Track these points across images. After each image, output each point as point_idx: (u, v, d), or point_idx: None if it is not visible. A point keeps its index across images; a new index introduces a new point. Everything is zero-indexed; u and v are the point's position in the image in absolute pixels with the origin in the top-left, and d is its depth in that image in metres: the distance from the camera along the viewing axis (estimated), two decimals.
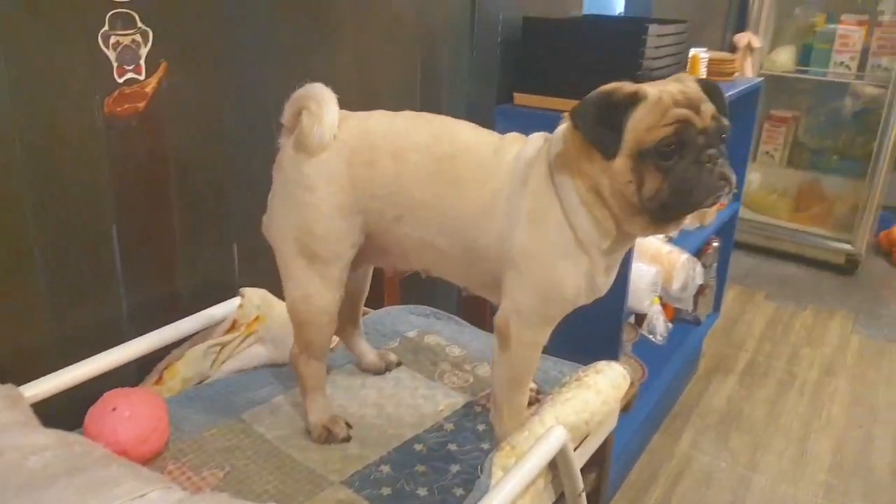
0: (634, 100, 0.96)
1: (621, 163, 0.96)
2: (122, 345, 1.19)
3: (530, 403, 1.24)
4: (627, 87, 0.97)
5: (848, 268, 3.89)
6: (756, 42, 3.60)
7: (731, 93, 2.34)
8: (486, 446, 1.17)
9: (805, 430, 2.60)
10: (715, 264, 2.82)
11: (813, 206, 4.06)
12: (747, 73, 3.62)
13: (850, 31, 3.72)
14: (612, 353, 1.98)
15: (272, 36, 1.38)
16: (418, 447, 1.17)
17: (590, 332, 1.96)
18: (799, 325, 3.37)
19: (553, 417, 1.10)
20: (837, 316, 3.47)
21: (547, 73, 1.94)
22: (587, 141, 0.98)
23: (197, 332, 1.31)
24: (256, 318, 1.36)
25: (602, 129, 0.96)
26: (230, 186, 1.38)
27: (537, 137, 1.10)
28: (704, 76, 2.29)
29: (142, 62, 1.18)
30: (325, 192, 1.10)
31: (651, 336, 2.10)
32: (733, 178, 0.98)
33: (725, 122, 0.99)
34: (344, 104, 1.19)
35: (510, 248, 1.05)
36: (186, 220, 1.32)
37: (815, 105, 4.06)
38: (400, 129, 1.13)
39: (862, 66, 3.75)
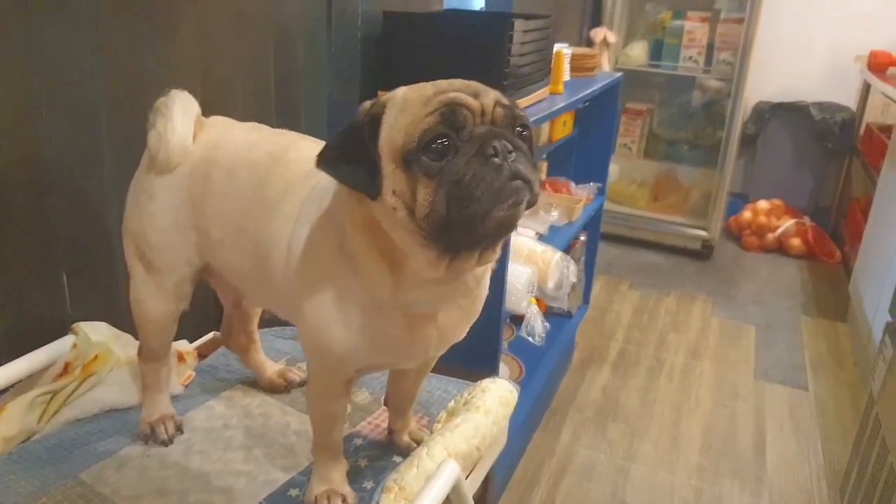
0: (377, 109, 0.77)
1: (386, 186, 0.75)
2: None
3: (417, 441, 1.13)
4: (369, 102, 0.80)
5: (704, 252, 4.09)
6: (611, 37, 3.69)
7: (594, 88, 2.35)
8: (368, 484, 1.06)
9: (677, 414, 2.68)
10: (583, 258, 2.85)
11: (669, 195, 4.24)
12: (604, 67, 3.71)
13: (694, 28, 3.90)
14: (492, 356, 1.93)
15: (94, 27, 1.17)
16: (293, 492, 1.04)
17: (468, 336, 1.90)
18: (664, 311, 3.50)
19: (443, 449, 1.01)
20: (698, 300, 3.63)
21: (411, 70, 1.83)
22: (344, 186, 0.79)
23: (18, 382, 1.11)
24: (95, 358, 1.17)
25: (352, 166, 0.76)
26: (52, 202, 1.17)
27: None
28: (568, 73, 2.28)
29: None
30: (165, 203, 1.04)
31: (530, 337, 2.07)
32: (533, 178, 0.74)
33: (519, 111, 0.77)
34: None
35: (288, 286, 0.91)
36: None
37: (667, 98, 4.24)
38: (244, 144, 1.02)
39: (709, 61, 3.95)
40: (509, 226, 0.76)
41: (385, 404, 1.19)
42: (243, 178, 0.98)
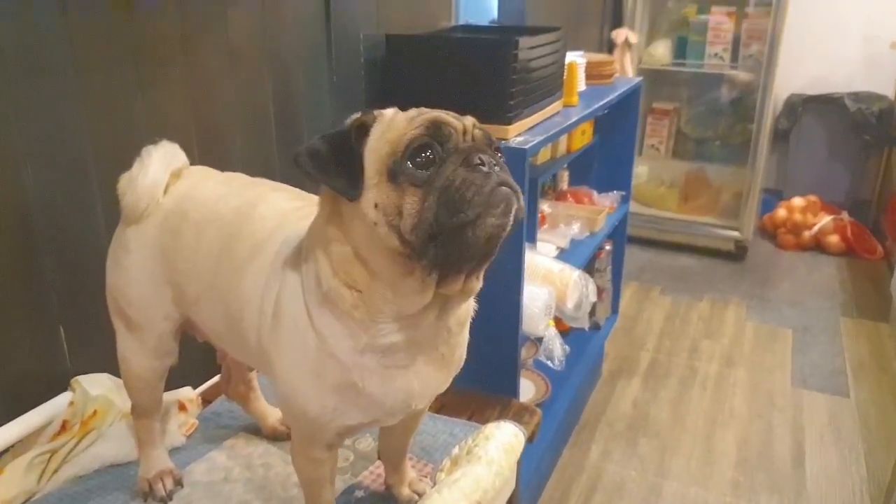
0: (366, 121, 0.76)
1: (368, 199, 0.73)
2: None
3: (419, 493, 1.10)
4: (358, 113, 0.80)
5: (738, 254, 3.98)
6: (633, 37, 3.61)
7: (611, 97, 2.29)
8: None
9: (710, 426, 2.60)
10: (609, 267, 2.78)
11: (700, 195, 4.13)
12: (627, 69, 3.63)
13: (720, 23, 3.79)
14: (510, 381, 1.88)
15: (79, 75, 1.16)
16: None
17: (486, 359, 1.85)
18: (696, 317, 3.40)
19: None
20: (732, 304, 3.52)
21: (416, 94, 1.80)
22: (322, 184, 0.76)
23: (17, 443, 1.11)
24: (94, 413, 1.16)
25: (335, 164, 0.74)
26: (45, 259, 1.16)
27: None
28: (583, 82, 2.22)
29: None
30: (139, 256, 1.02)
31: (549, 361, 2.01)
32: (518, 189, 0.73)
33: (492, 137, 0.79)
34: (182, 149, 1.06)
35: (262, 350, 0.88)
36: None
37: (694, 96, 4.13)
38: (213, 197, 1.00)
39: (735, 56, 3.84)
40: (497, 239, 0.73)
41: (379, 458, 1.16)
42: (211, 235, 0.96)
